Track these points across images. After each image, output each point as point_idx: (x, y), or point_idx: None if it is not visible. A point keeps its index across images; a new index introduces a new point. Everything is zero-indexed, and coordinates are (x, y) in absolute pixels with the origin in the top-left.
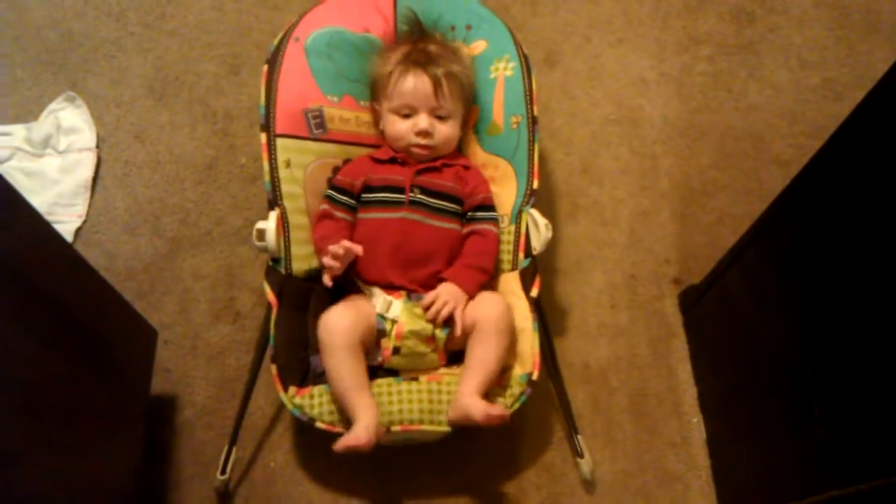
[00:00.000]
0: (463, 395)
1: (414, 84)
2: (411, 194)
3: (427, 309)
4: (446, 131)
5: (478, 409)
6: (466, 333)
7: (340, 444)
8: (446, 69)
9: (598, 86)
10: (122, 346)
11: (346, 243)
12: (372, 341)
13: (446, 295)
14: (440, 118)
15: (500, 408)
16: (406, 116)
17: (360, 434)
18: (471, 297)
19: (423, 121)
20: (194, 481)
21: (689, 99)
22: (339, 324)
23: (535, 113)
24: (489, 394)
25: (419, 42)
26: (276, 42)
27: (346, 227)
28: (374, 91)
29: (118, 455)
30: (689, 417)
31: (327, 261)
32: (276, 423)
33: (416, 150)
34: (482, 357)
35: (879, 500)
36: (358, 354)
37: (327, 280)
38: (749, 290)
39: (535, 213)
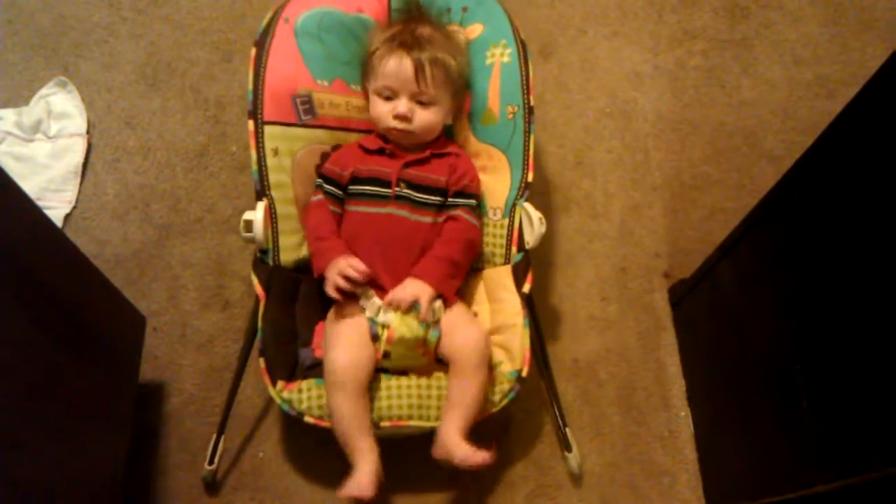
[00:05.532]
0: (447, 435)
1: (395, 66)
2: (397, 188)
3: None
4: (427, 118)
5: (459, 452)
6: (445, 360)
7: (345, 493)
8: (432, 54)
9: (593, 78)
10: (111, 332)
11: (361, 267)
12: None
13: (401, 292)
14: (422, 104)
15: (482, 454)
16: (387, 98)
17: (363, 482)
18: (439, 291)
19: (402, 105)
20: (182, 469)
21: (682, 93)
22: (344, 361)
23: (532, 103)
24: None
25: (411, 23)
26: (264, 23)
27: (336, 219)
28: (364, 70)
29: (106, 441)
30: (677, 411)
31: (340, 281)
32: (265, 414)
33: (394, 133)
34: (463, 394)
35: (868, 494)
36: (362, 394)
37: (333, 293)
38: (739, 285)
39: (528, 206)
